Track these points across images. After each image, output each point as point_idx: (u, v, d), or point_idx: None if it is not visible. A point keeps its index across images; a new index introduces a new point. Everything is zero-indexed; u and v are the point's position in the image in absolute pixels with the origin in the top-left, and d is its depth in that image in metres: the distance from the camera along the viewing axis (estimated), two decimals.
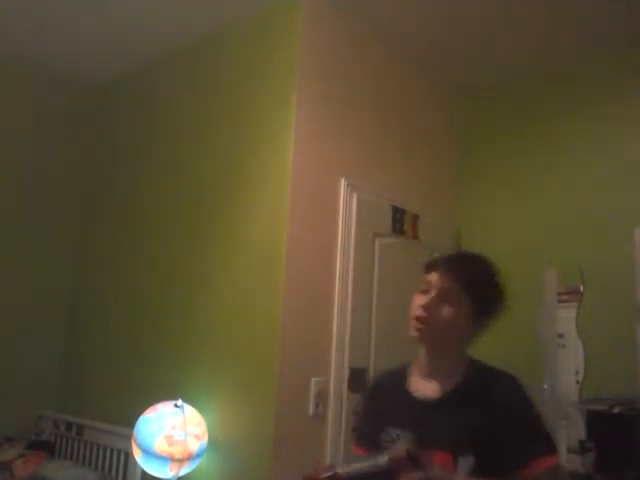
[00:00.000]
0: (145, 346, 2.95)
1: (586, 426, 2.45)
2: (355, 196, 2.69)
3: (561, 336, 2.81)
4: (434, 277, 1.40)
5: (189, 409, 2.40)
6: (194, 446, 2.31)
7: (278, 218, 2.46)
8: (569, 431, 2.60)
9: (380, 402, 1.50)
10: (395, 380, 1.49)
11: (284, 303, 2.37)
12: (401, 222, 2.94)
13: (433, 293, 1.38)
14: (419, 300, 1.40)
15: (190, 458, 2.30)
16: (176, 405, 2.37)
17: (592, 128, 2.98)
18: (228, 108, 2.84)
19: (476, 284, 1.40)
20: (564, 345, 2.81)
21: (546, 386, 2.71)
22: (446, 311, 1.37)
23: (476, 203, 3.33)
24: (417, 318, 1.38)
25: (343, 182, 2.66)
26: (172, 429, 2.29)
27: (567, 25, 2.79)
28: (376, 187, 2.84)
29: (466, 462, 1.27)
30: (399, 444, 1.26)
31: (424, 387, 1.42)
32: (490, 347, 3.09)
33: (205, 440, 2.39)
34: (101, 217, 3.50)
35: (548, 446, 1.32)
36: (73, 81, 3.63)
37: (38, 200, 3.45)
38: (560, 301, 2.81)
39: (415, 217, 3.02)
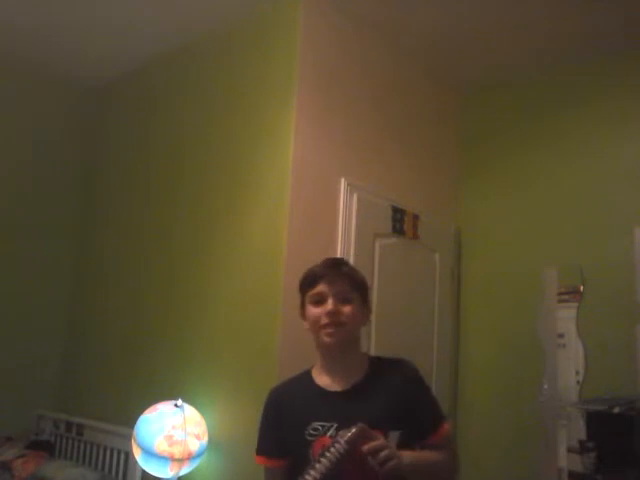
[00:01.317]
0: (145, 346, 2.95)
1: (586, 426, 2.45)
2: (355, 196, 2.69)
3: (561, 336, 2.81)
4: (322, 287, 1.52)
5: (189, 409, 2.40)
6: (194, 446, 2.31)
7: (278, 218, 2.46)
8: (569, 431, 2.60)
9: (292, 405, 1.55)
10: (301, 384, 1.59)
11: (284, 303, 2.36)
12: (401, 222, 2.94)
13: (331, 298, 1.50)
14: (319, 310, 1.51)
15: (190, 458, 2.30)
16: (176, 405, 2.37)
17: (592, 128, 2.98)
18: (228, 108, 2.83)
19: (357, 281, 1.58)
20: (564, 345, 2.81)
21: (546, 386, 2.71)
22: (348, 309, 1.51)
23: (476, 203, 3.33)
24: (327, 324, 1.49)
25: (343, 182, 2.66)
26: (172, 429, 2.29)
27: (568, 25, 2.79)
28: (376, 187, 2.84)
29: (395, 436, 1.43)
30: (332, 434, 1.39)
31: (335, 382, 1.53)
32: (490, 347, 3.11)
33: (205, 440, 2.39)
34: (100, 217, 3.50)
35: (443, 415, 1.60)
36: (73, 82, 3.62)
37: (38, 200, 3.46)
38: (560, 301, 2.81)
39: (415, 217, 3.02)
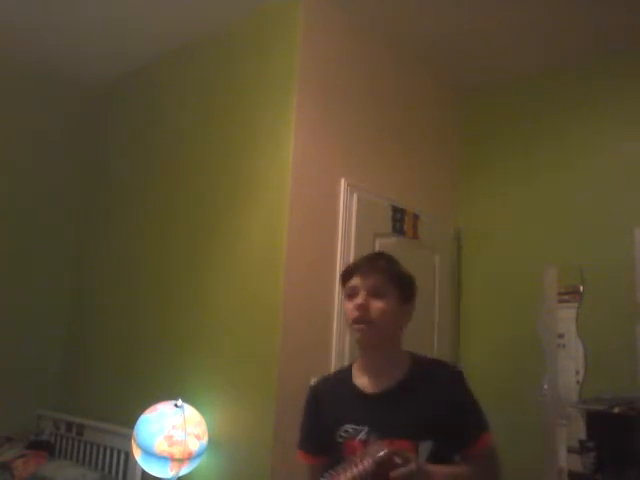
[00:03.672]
0: (145, 346, 2.95)
1: (586, 426, 2.45)
2: (355, 196, 2.69)
3: (561, 336, 2.81)
4: (356, 280, 1.48)
5: (189, 409, 2.40)
6: (194, 446, 2.31)
7: (278, 218, 2.46)
8: (569, 431, 2.60)
9: (328, 404, 1.53)
10: (340, 381, 1.56)
11: (284, 303, 2.37)
12: (401, 222, 2.94)
13: (363, 292, 1.45)
14: (350, 305, 1.47)
15: (190, 458, 2.30)
16: (176, 405, 2.37)
17: (592, 128, 2.98)
18: (228, 108, 2.84)
19: (395, 275, 1.50)
20: (564, 345, 2.81)
21: (546, 386, 2.71)
22: (379, 305, 1.44)
23: (476, 203, 3.33)
24: (355, 320, 1.45)
25: (343, 182, 2.66)
26: (172, 429, 2.29)
27: (568, 25, 2.79)
28: (376, 187, 2.84)
29: (425, 447, 1.37)
30: (362, 439, 1.36)
31: (372, 383, 1.48)
32: (490, 347, 3.11)
33: (205, 440, 2.39)
34: (101, 217, 3.50)
35: (486, 425, 1.48)
36: (73, 82, 3.62)
37: (38, 200, 3.45)
38: (560, 301, 2.81)
39: (415, 217, 3.02)
